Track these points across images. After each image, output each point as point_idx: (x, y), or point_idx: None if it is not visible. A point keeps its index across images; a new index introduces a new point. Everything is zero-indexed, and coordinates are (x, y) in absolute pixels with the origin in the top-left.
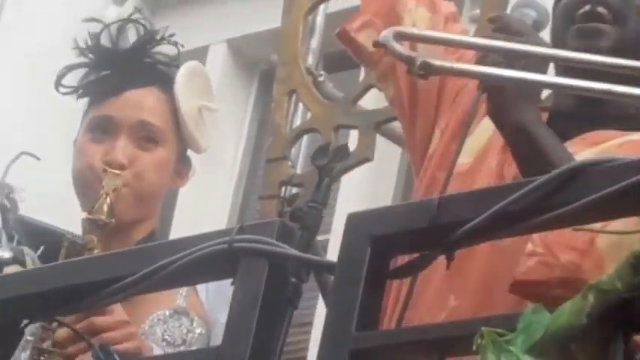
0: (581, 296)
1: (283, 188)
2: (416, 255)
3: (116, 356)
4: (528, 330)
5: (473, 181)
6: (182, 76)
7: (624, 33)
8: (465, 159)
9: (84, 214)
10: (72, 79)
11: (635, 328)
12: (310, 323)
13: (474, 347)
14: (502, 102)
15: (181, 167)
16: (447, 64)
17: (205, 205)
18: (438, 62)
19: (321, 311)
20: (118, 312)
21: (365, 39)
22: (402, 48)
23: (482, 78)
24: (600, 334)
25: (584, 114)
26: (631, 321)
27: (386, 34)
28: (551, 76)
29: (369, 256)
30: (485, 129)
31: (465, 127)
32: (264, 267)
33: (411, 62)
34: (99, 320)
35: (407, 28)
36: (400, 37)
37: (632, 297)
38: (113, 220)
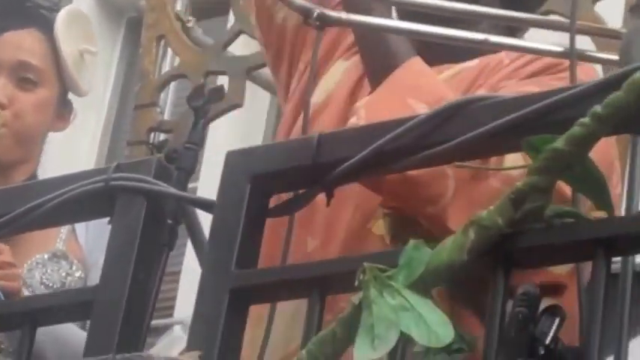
0: (461, 232)
1: (152, 134)
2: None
3: None
4: (409, 266)
5: (321, 121)
6: (62, 19)
7: None
8: (316, 98)
9: None
10: None
11: (515, 263)
12: (178, 272)
13: (356, 283)
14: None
15: (63, 110)
16: (344, 15)
17: (73, 149)
18: (334, 14)
19: (188, 261)
20: (5, 253)
21: None
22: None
23: (377, 29)
24: (481, 270)
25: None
26: (512, 256)
27: None
28: (434, 27)
29: (249, 194)
30: (336, 70)
31: (313, 54)
32: (142, 205)
33: (308, 14)
34: None
35: None
36: None
37: (512, 232)
38: None
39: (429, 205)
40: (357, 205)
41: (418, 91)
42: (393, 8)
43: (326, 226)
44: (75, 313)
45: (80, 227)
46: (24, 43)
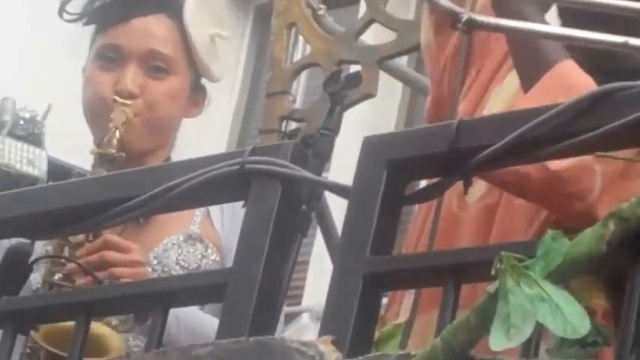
0: (601, 224)
1: (284, 122)
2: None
3: None
4: (547, 256)
5: None
6: (192, 4)
7: None
8: (498, 108)
9: (93, 148)
10: (76, 5)
11: None
12: (307, 261)
13: (493, 272)
14: None
15: (196, 96)
16: (492, 20)
17: (203, 137)
18: (482, 18)
19: (317, 249)
20: (135, 252)
21: None
22: (447, 2)
23: (525, 34)
24: (619, 261)
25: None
26: None
27: None
28: (581, 31)
29: (385, 180)
30: (513, 79)
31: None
32: (277, 189)
33: (456, 18)
34: (111, 255)
35: None
36: None
37: None
38: (123, 154)
39: (577, 201)
40: (531, 218)
41: (571, 91)
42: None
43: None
44: (208, 295)
45: (215, 212)
46: (154, 31)
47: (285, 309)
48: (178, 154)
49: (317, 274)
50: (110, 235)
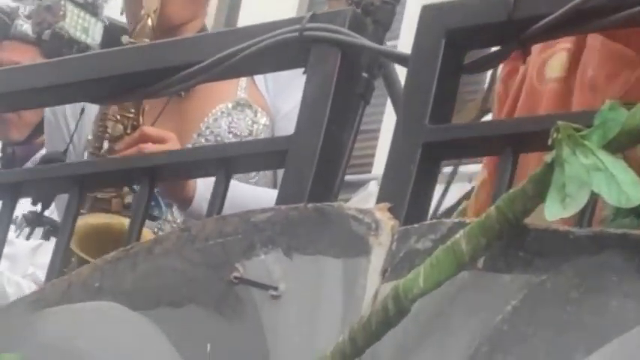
0: None
1: None
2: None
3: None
4: (604, 126)
5: None
6: None
7: None
8: None
9: (125, 38)
10: None
11: None
12: (377, 130)
13: (550, 142)
14: None
15: None
16: None
17: (273, 3)
18: None
19: (387, 118)
20: (170, 140)
21: None
22: None
23: None
24: None
25: None
26: None
27: None
28: None
29: (444, 49)
30: None
31: None
32: (337, 56)
33: None
34: (148, 148)
35: None
36: None
37: None
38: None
39: None
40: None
41: None
42: None
43: None
44: (268, 162)
45: (258, 77)
46: None
47: (355, 177)
48: (248, 16)
49: (388, 142)
50: (147, 128)
